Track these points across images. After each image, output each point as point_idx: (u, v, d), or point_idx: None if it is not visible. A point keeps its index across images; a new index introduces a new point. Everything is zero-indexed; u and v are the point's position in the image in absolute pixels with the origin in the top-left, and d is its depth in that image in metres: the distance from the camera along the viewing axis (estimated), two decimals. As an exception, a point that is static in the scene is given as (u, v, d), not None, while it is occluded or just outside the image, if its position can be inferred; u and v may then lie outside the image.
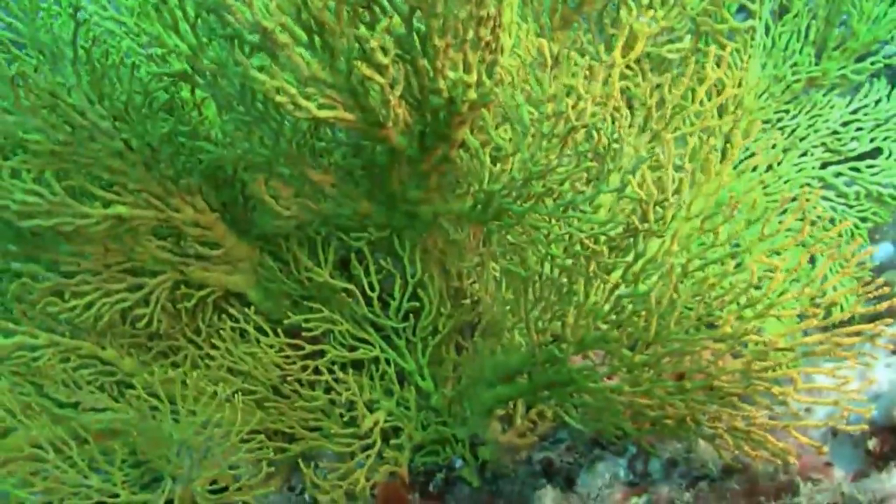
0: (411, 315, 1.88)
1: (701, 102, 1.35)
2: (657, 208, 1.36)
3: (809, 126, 2.16)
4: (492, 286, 1.77)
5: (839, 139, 2.17)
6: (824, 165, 2.17)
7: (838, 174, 2.16)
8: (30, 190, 1.68)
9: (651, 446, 1.62)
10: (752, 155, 1.94)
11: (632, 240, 1.42)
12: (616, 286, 1.45)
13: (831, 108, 2.18)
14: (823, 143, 2.17)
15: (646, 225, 1.37)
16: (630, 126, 1.35)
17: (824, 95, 2.17)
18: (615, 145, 1.36)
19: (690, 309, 1.36)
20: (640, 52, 1.32)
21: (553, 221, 1.50)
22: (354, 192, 1.76)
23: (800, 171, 2.15)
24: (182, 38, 1.60)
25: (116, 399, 1.91)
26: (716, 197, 1.34)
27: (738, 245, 1.35)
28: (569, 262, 1.48)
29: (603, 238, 1.43)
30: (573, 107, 1.34)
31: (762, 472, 1.48)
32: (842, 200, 2.17)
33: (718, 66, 1.35)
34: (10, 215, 1.70)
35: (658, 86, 1.33)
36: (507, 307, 1.67)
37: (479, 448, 1.87)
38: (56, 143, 1.69)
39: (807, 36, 2.11)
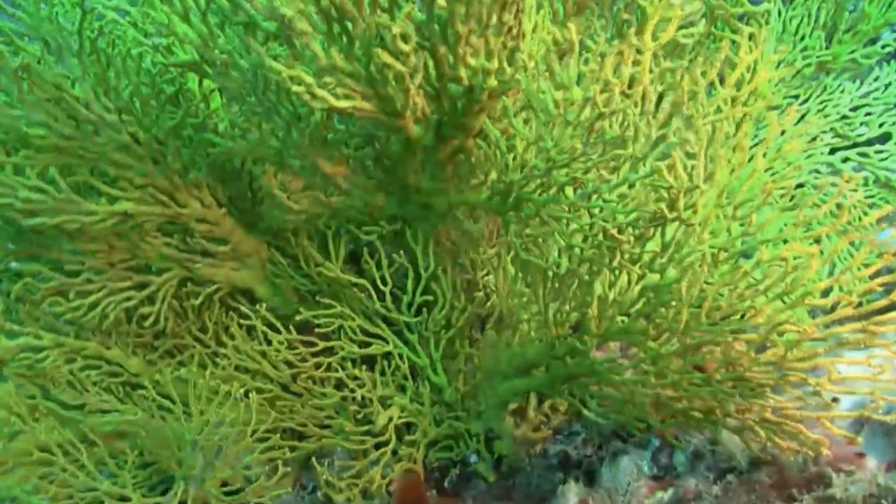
0: (424, 309, 1.84)
1: (737, 87, 1.31)
2: (685, 196, 1.33)
3: (819, 111, 2.14)
4: (508, 278, 1.74)
5: (849, 124, 2.16)
6: (833, 151, 2.15)
7: (846, 159, 2.15)
8: (34, 187, 1.64)
9: (675, 438, 1.59)
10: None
11: (658, 229, 1.39)
12: (642, 276, 1.42)
13: (841, 92, 2.16)
14: (833, 129, 2.15)
15: (675, 214, 1.34)
16: (658, 113, 1.31)
17: (834, 80, 2.15)
18: (643, 132, 1.33)
19: (720, 299, 1.34)
20: (670, 36, 1.28)
21: (575, 211, 1.46)
22: (367, 184, 1.72)
23: (809, 156, 2.13)
24: (192, 26, 1.55)
25: (123, 400, 1.86)
26: (750, 183, 1.31)
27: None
28: (590, 252, 1.45)
29: (628, 227, 1.40)
30: (601, 92, 1.31)
31: (792, 463, 1.46)
32: (850, 186, 2.15)
33: (749, 51, 1.32)
34: (13, 213, 1.65)
35: (687, 71, 1.29)
36: (524, 299, 1.64)
37: (495, 442, 1.84)
38: (60, 137, 1.64)
39: (817, 19, 2.09)
